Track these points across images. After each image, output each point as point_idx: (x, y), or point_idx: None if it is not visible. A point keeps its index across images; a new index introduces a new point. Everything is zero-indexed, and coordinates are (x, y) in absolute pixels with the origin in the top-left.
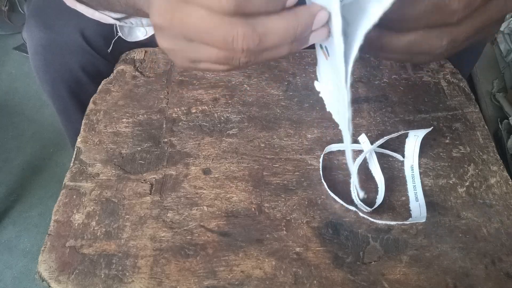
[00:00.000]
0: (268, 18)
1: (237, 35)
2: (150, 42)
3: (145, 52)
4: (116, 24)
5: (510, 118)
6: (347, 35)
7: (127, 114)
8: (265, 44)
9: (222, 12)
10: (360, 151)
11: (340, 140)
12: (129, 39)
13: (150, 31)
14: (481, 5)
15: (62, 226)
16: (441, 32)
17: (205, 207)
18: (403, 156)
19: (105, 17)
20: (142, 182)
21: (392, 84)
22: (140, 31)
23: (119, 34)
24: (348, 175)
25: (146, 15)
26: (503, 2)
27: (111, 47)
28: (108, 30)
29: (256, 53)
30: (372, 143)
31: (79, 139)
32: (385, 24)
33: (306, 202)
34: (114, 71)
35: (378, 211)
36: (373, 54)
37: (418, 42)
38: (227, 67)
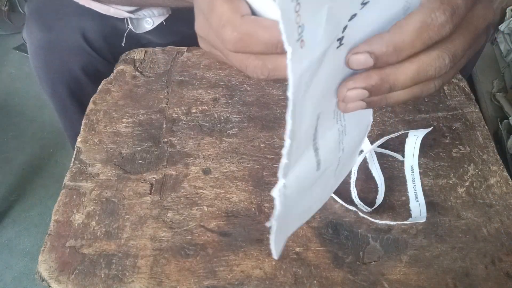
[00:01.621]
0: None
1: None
2: (155, 32)
3: (145, 52)
4: (127, 18)
5: (510, 118)
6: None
7: (127, 114)
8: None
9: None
10: (360, 151)
11: None
12: (137, 31)
13: (156, 22)
14: (465, 14)
15: (62, 226)
16: (440, 50)
17: (205, 207)
18: (403, 156)
19: (120, 12)
20: (142, 182)
21: None
22: (147, 23)
23: (130, 26)
24: (348, 175)
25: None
26: (482, 12)
27: (124, 41)
28: (109, 30)
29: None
30: (372, 143)
31: (79, 139)
32: (383, 62)
33: None
34: (114, 71)
35: (378, 211)
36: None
37: (423, 68)
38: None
